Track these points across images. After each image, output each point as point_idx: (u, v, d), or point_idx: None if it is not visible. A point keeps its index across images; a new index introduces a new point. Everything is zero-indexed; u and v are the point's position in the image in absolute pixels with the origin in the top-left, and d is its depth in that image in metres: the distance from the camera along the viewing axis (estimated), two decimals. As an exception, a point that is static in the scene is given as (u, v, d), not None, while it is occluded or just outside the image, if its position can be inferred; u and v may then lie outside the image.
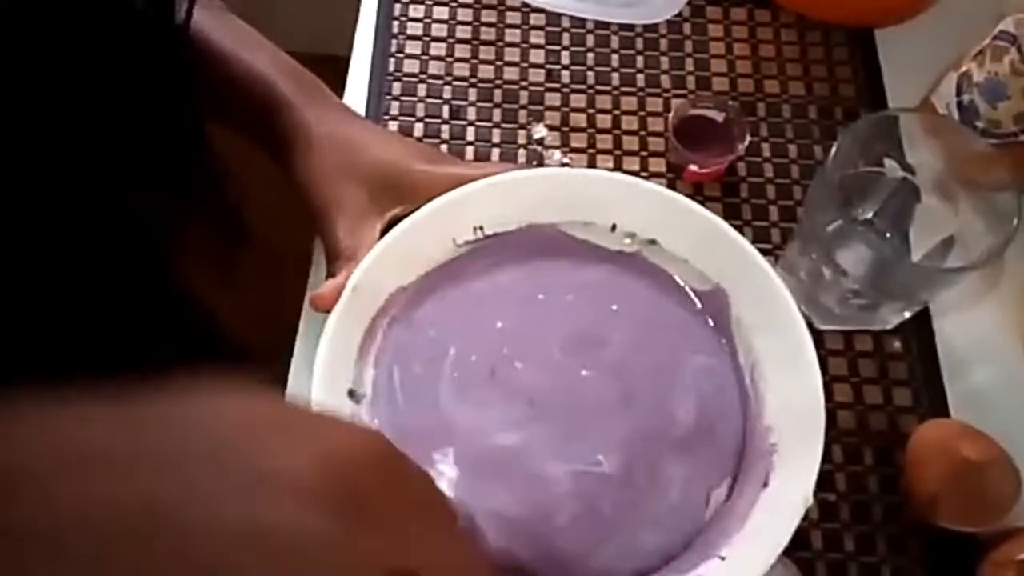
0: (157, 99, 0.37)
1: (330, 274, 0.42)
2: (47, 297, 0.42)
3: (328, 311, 0.41)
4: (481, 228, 0.44)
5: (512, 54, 0.57)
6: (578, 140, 0.54)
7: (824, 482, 0.46)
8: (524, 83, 0.56)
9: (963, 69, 0.50)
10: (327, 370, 0.40)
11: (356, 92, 0.56)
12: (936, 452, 0.43)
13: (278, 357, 0.49)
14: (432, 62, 0.57)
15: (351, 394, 0.42)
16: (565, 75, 0.56)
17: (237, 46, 0.46)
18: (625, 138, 0.54)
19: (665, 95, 0.56)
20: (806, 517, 0.38)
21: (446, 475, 0.40)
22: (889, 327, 0.49)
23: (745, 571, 0.37)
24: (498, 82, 0.56)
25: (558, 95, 0.56)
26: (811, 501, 0.38)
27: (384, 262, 0.42)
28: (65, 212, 0.35)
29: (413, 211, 0.43)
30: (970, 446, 0.43)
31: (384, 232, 0.43)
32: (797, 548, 0.44)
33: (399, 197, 0.43)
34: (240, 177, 0.44)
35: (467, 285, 0.44)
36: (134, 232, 0.41)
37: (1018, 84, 0.46)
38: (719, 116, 0.53)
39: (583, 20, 0.58)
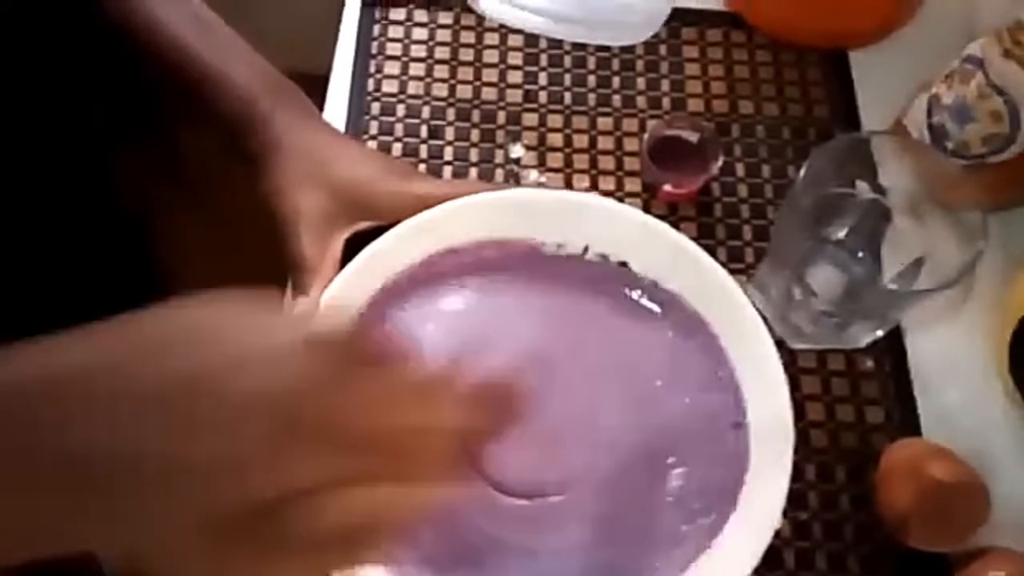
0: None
1: (294, 285, 0.43)
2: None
3: None
4: (455, 248, 0.44)
5: (490, 75, 0.58)
6: (555, 160, 0.55)
7: (797, 500, 0.46)
8: (502, 103, 0.57)
9: (933, 91, 0.51)
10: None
11: (335, 111, 0.56)
12: (906, 473, 0.43)
13: None
14: (411, 82, 0.57)
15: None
16: (543, 95, 0.57)
17: (217, 55, 0.46)
18: (601, 158, 0.55)
19: (641, 115, 0.56)
20: (778, 535, 0.39)
21: None
22: (861, 346, 0.50)
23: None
24: (476, 102, 0.57)
25: (535, 115, 0.56)
26: (780, 522, 0.38)
27: (357, 281, 0.43)
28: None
29: (381, 227, 0.43)
30: (939, 467, 0.43)
31: (349, 245, 0.43)
32: (770, 567, 0.44)
33: (367, 212, 0.44)
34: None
35: (440, 304, 0.44)
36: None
37: (985, 107, 0.47)
38: (693, 136, 0.53)
39: (560, 41, 0.58)
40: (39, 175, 0.53)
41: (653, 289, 0.45)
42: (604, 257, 0.45)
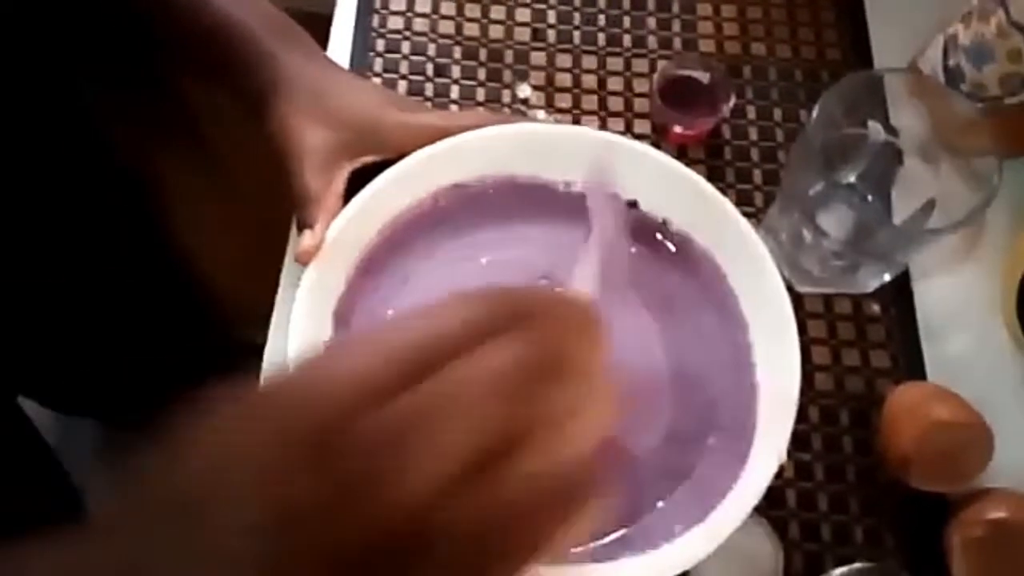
0: None
1: (299, 220, 0.42)
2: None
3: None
4: (462, 183, 0.44)
5: (498, 12, 0.56)
6: (563, 100, 0.54)
7: (800, 442, 0.46)
8: (510, 42, 0.55)
9: (950, 31, 0.50)
10: (304, 323, 0.40)
11: (339, 47, 0.55)
12: (910, 414, 0.44)
13: (262, 310, 0.49)
14: (417, 19, 0.56)
15: (329, 349, 0.42)
16: (551, 34, 0.56)
17: None
18: (610, 99, 0.54)
19: (651, 56, 0.55)
20: (780, 475, 0.39)
21: None
22: (869, 290, 0.49)
23: (717, 526, 0.38)
24: (483, 40, 0.55)
25: (544, 54, 0.55)
26: (784, 459, 0.38)
27: (364, 214, 0.42)
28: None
29: (386, 161, 0.42)
30: (943, 408, 0.43)
31: (354, 179, 0.42)
32: (771, 506, 0.45)
33: (372, 145, 0.43)
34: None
35: (446, 237, 0.44)
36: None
37: (1004, 46, 0.46)
38: (704, 77, 0.52)
39: (570, -22, 0.57)
40: (39, 140, 0.52)
41: (664, 229, 0.44)
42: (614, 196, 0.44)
